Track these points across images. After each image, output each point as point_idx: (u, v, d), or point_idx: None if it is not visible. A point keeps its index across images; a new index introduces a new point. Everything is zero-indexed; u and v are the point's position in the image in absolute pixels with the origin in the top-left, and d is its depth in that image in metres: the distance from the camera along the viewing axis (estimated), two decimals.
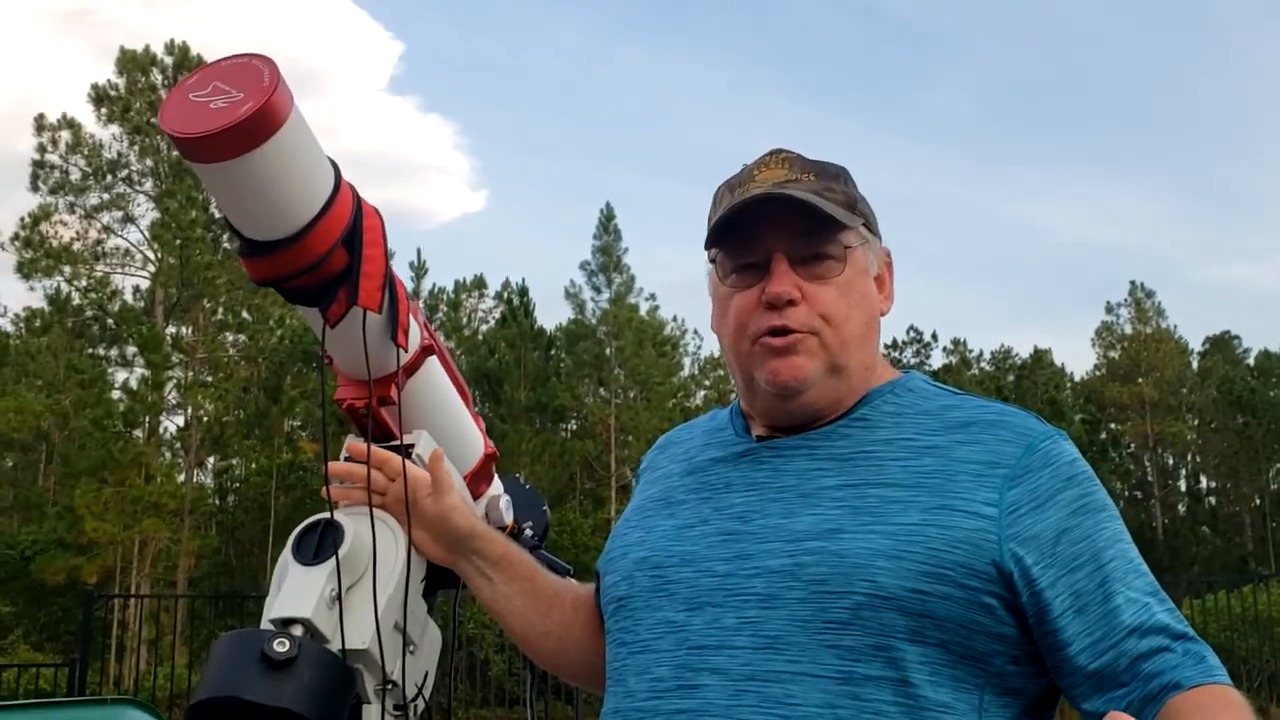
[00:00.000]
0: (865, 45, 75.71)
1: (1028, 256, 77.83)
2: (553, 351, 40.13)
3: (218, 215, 31.07)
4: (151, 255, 32.17)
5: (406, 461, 1.39)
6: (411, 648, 1.36)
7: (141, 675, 21.50)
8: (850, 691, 1.07)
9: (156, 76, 32.09)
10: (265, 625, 1.28)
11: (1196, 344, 54.26)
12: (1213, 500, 51.57)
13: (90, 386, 28.93)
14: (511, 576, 1.42)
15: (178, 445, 34.75)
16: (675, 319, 49.91)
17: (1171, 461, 52.76)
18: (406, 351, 1.41)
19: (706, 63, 77.11)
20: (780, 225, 1.22)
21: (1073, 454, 1.17)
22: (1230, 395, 47.50)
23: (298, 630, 1.23)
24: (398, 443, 1.43)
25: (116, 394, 31.47)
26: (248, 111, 1.14)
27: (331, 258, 1.27)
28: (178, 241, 29.85)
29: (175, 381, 31.68)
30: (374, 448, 1.39)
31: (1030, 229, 76.74)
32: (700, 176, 77.58)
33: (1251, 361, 51.48)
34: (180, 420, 34.54)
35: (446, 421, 1.53)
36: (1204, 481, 52.81)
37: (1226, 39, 72.15)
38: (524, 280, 42.01)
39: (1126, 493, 49.38)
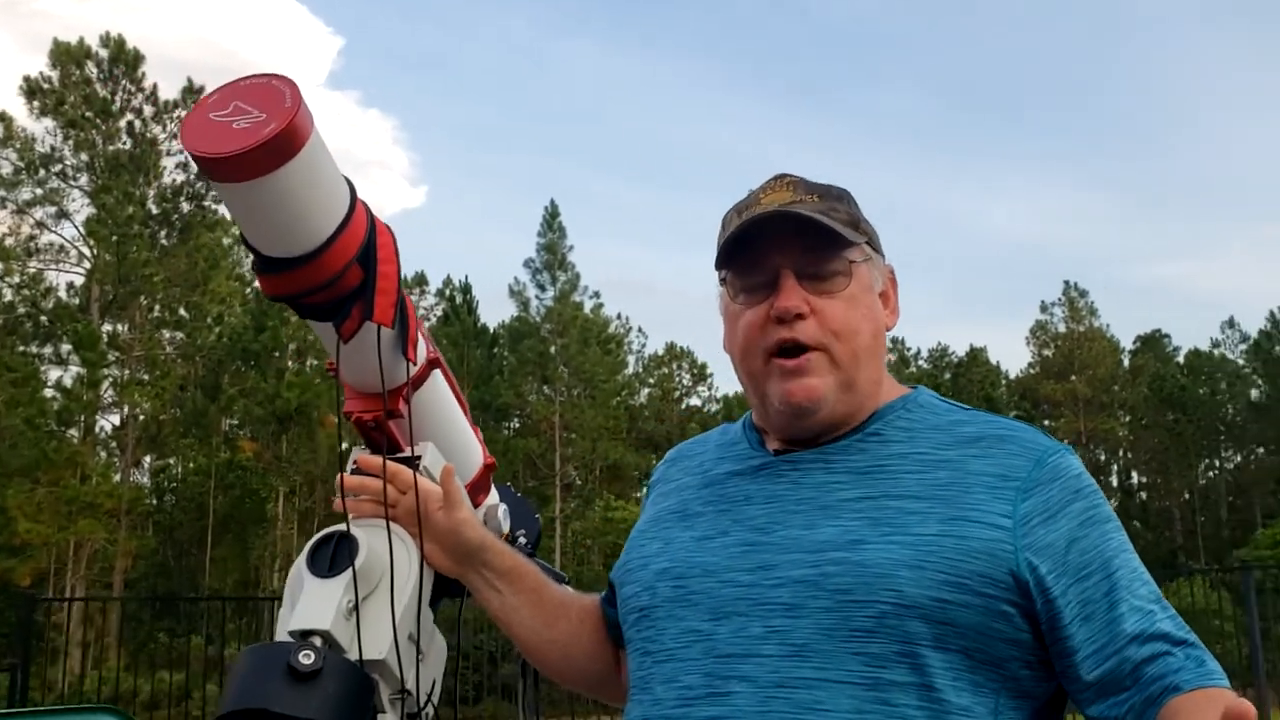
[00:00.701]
0: (809, 43, 76.32)
1: (965, 254, 79.04)
2: (496, 349, 39.98)
3: (155, 211, 30.62)
4: (87, 251, 31.59)
5: (418, 475, 1.41)
6: (421, 657, 1.39)
7: (75, 680, 21.07)
8: (878, 697, 1.11)
9: (91, 69, 31.49)
10: (282, 637, 1.30)
11: (1128, 342, 55.46)
12: (1144, 495, 52.79)
13: (23, 385, 28.28)
14: (519, 588, 1.44)
15: (113, 444, 34.13)
16: (620, 317, 50.00)
17: (1104, 457, 53.86)
18: (415, 365, 1.43)
19: (652, 58, 77.28)
20: (787, 244, 1.25)
21: (1079, 468, 1.23)
22: (1161, 393, 48.61)
23: (316, 642, 1.25)
24: (406, 454, 1.45)
25: (50, 392, 30.82)
26: (271, 133, 1.16)
27: (347, 274, 1.29)
28: (114, 238, 29.30)
29: (111, 379, 31.11)
30: (383, 460, 1.40)
31: (967, 227, 77.93)
32: (645, 173, 77.69)
33: (1181, 360, 52.69)
34: (116, 419, 33.96)
35: (450, 433, 1.56)
36: (1135, 477, 54.05)
37: (1161, 42, 73.82)
38: (466, 278, 41.86)
39: None
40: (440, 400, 1.53)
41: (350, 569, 1.30)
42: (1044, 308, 55.31)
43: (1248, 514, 47.43)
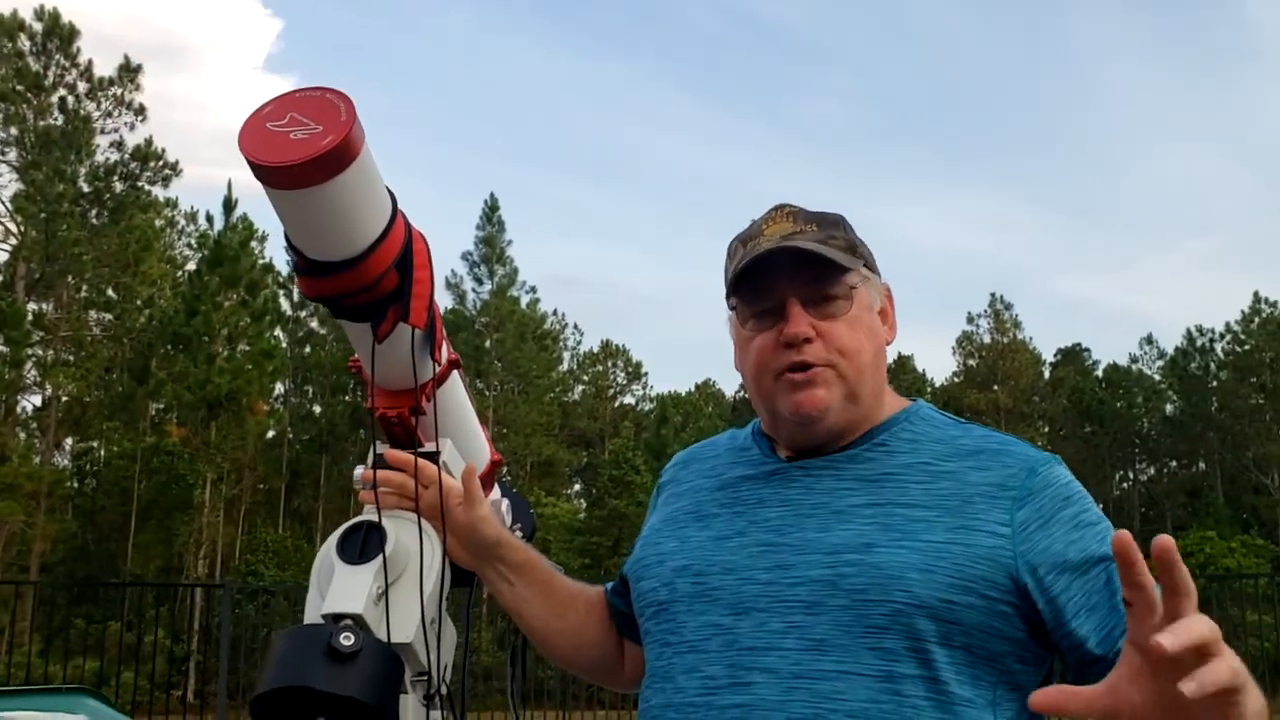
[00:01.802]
0: (746, 48, 76.88)
1: (894, 264, 79.86)
2: None
3: (87, 190, 29.92)
4: (14, 228, 30.75)
5: (442, 471, 1.49)
6: (438, 642, 1.47)
7: None
8: (891, 688, 1.20)
9: (24, 42, 30.66)
10: (312, 619, 1.37)
11: (1049, 355, 56.70)
12: None
13: None
14: (531, 581, 1.53)
15: (34, 426, 33.33)
16: (556, 313, 49.99)
17: None
18: (440, 365, 1.51)
19: (592, 56, 77.25)
20: (791, 273, 1.34)
21: (1067, 477, 1.35)
22: (1080, 405, 49.80)
23: (348, 624, 1.32)
24: (428, 449, 1.53)
25: None
26: (328, 145, 1.23)
27: (385, 279, 1.37)
28: (42, 215, 28.58)
29: (35, 359, 30.37)
30: (412, 456, 1.48)
31: (898, 236, 79.04)
32: (584, 169, 77.65)
33: (1100, 373, 54.00)
34: (38, 400, 33.17)
35: (465, 430, 1.64)
36: None
37: (1087, 63, 75.54)
38: None
39: None
40: (458, 399, 1.62)
41: (381, 556, 1.38)
42: (970, 319, 56.36)
43: (1159, 525, 48.76)
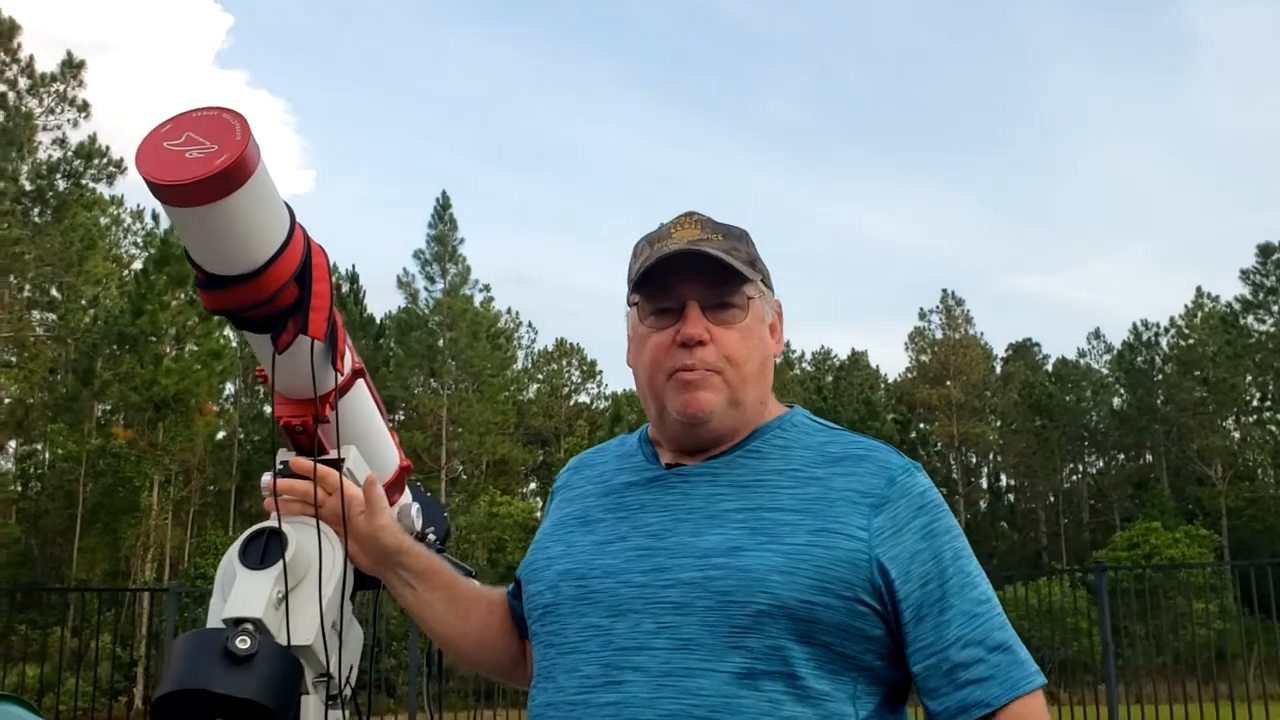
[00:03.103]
0: (700, 45, 77.07)
1: (849, 260, 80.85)
2: (382, 341, 39.47)
3: (29, 188, 29.41)
4: None
5: (345, 480, 1.53)
6: (341, 644, 1.51)
7: None
8: (751, 684, 1.26)
9: None
10: (215, 624, 1.41)
11: (1000, 350, 57.41)
12: (1011, 498, 54.78)
13: None
14: (433, 586, 1.58)
15: None
16: (510, 311, 49.86)
17: (975, 460, 55.71)
18: (342, 374, 1.55)
19: (545, 52, 77.03)
20: (694, 277, 1.40)
21: (925, 485, 1.39)
22: (1030, 399, 50.49)
23: (249, 629, 1.36)
24: (331, 456, 1.57)
25: None
26: (223, 164, 1.26)
27: (284, 292, 1.41)
28: None
29: None
30: (314, 464, 1.52)
31: (852, 234, 79.69)
32: (537, 166, 77.43)
33: (1050, 368, 54.75)
34: None
35: (371, 437, 1.68)
36: (1004, 479, 56.03)
37: (1032, 64, 76.57)
38: (354, 266, 41.19)
39: None
40: (363, 407, 1.65)
41: (281, 562, 1.42)
42: (922, 315, 56.95)
43: (1107, 516, 49.60)
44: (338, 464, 1.56)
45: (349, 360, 1.59)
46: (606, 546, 1.42)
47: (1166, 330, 49.12)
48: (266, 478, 1.56)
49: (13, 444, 34.19)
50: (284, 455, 1.58)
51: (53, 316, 32.19)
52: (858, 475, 1.38)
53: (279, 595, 1.41)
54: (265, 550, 1.44)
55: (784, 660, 1.28)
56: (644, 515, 1.42)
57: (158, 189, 1.28)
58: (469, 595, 1.61)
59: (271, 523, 1.48)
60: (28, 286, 31.45)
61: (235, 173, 1.27)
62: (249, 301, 1.39)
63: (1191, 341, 47.87)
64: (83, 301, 32.04)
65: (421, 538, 1.81)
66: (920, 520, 1.36)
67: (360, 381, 1.64)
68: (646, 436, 1.53)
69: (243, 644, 1.30)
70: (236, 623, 1.37)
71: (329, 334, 1.48)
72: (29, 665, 19.91)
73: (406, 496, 1.82)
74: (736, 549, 1.32)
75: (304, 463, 1.52)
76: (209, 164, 1.27)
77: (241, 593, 1.40)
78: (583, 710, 1.32)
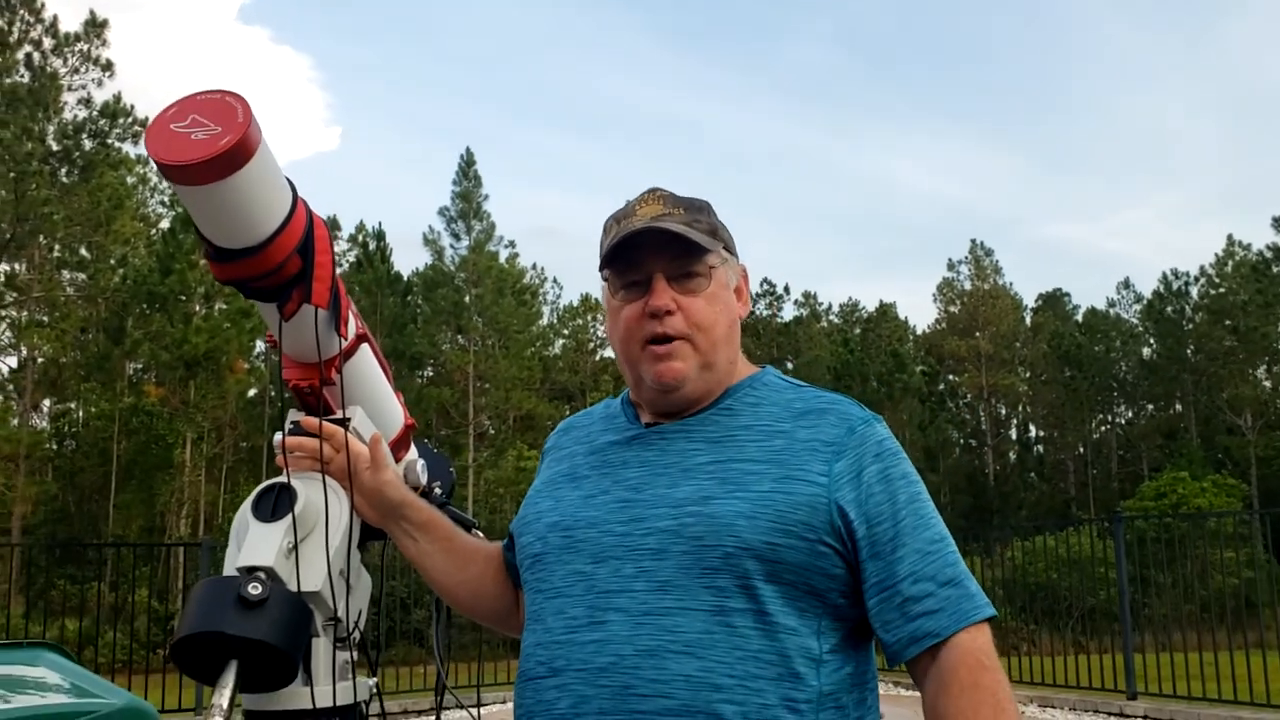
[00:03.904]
0: None
1: (878, 211, 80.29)
2: (409, 297, 39.67)
3: (55, 149, 29.65)
4: None
5: (350, 437, 1.63)
6: (350, 590, 1.62)
7: None
8: (723, 621, 1.36)
9: None
10: (230, 573, 1.52)
11: (1030, 300, 57.08)
12: (1040, 449, 54.62)
13: None
14: (434, 538, 1.69)
15: (11, 387, 33.29)
16: (535, 267, 49.96)
17: (1004, 411, 55.58)
18: (346, 340, 1.64)
19: (570, 4, 76.48)
20: (658, 251, 1.50)
21: (882, 434, 1.48)
22: (1059, 350, 50.21)
23: (261, 575, 1.47)
24: (337, 416, 1.67)
25: None
26: (226, 144, 1.35)
27: (288, 263, 1.50)
28: (12, 174, 28.30)
29: (9, 321, 30.30)
30: (319, 422, 1.62)
31: (880, 184, 79.06)
32: (562, 120, 77.09)
33: (1080, 318, 54.40)
34: (14, 361, 33.10)
35: (376, 398, 1.78)
36: (1033, 431, 55.88)
37: (1065, 11, 75.27)
38: (380, 224, 41.29)
39: (962, 441, 51.86)
40: (367, 370, 1.75)
41: (290, 515, 1.52)
42: (951, 266, 56.65)
43: (1136, 467, 49.45)
44: (344, 423, 1.66)
45: (353, 326, 1.68)
46: (591, 500, 1.52)
47: (1197, 279, 48.67)
48: (278, 436, 1.66)
49: (47, 403, 34.78)
50: (294, 415, 1.68)
51: (83, 276, 32.56)
52: (820, 427, 1.47)
53: (289, 545, 1.51)
54: (276, 504, 1.54)
55: (753, 598, 1.37)
56: (625, 470, 1.52)
57: (166, 169, 1.36)
58: (467, 547, 1.72)
59: (282, 478, 1.58)
60: (57, 246, 31.84)
61: (238, 153, 1.36)
62: (256, 273, 1.48)
63: (1222, 290, 47.40)
64: (112, 261, 32.39)
65: (427, 492, 1.91)
66: (877, 466, 1.45)
67: (365, 346, 1.73)
68: (629, 399, 1.63)
69: (254, 590, 1.40)
70: (249, 571, 1.48)
71: (332, 302, 1.57)
72: (69, 619, 20.41)
73: (412, 453, 1.92)
74: (707, 498, 1.42)
75: (312, 421, 1.62)
76: (213, 145, 1.35)
77: (254, 543, 1.50)
78: (568, 648, 1.43)
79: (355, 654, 1.63)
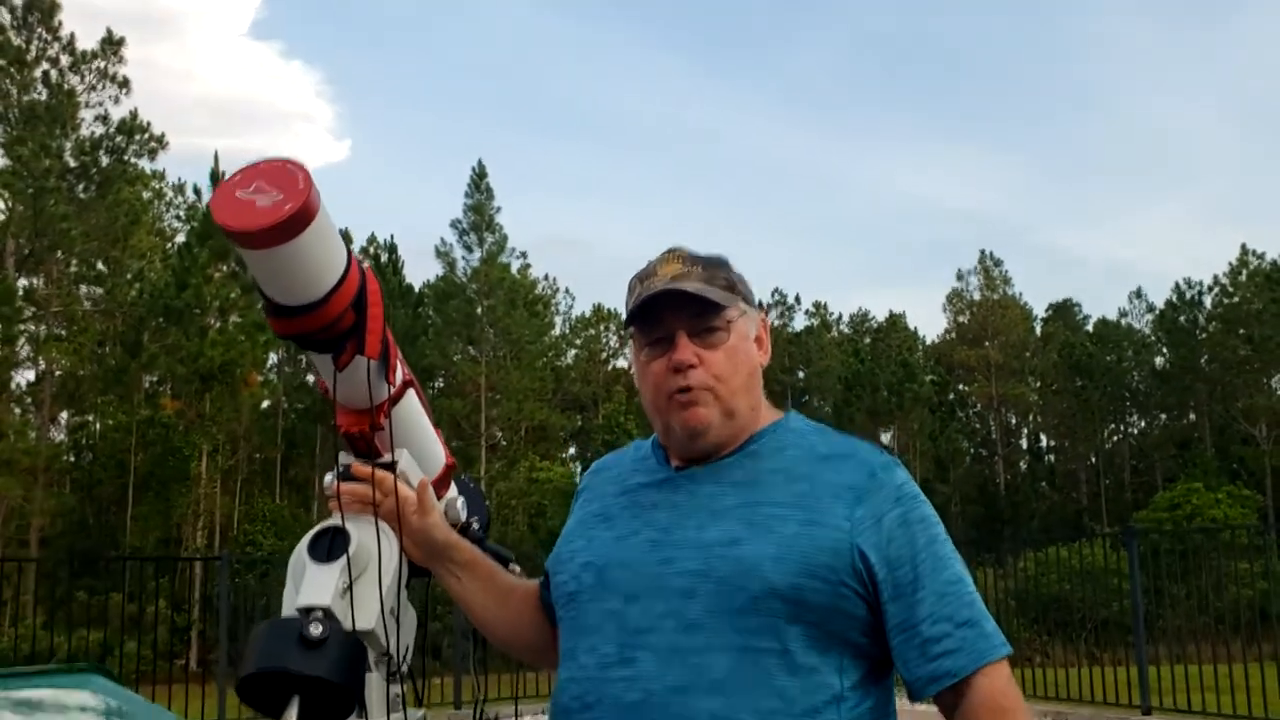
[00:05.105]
0: (740, 3, 76.41)
1: (887, 220, 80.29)
2: (420, 309, 39.81)
3: (73, 165, 29.89)
4: (1, 205, 30.76)
5: (398, 483, 1.71)
6: (398, 627, 1.70)
7: None
8: (749, 660, 1.43)
9: (4, 16, 30.49)
10: (288, 612, 1.60)
11: (1040, 310, 56.95)
12: (1051, 458, 54.44)
13: None
14: (475, 576, 1.78)
15: (29, 401, 33.50)
16: (547, 278, 50.06)
17: (1014, 421, 55.45)
18: (394, 386, 1.73)
19: (580, 15, 76.76)
20: (679, 309, 1.58)
21: (901, 479, 1.55)
22: (1070, 360, 50.05)
23: (320, 616, 1.55)
24: (386, 460, 1.76)
25: None
26: (290, 211, 1.44)
27: (343, 318, 1.59)
28: (30, 190, 28.55)
29: (27, 335, 30.48)
30: (370, 468, 1.71)
31: (890, 193, 79.06)
32: (573, 129, 77.29)
33: (1090, 328, 54.22)
34: (32, 375, 33.32)
35: (420, 440, 1.86)
36: (1044, 440, 55.72)
37: (1074, 14, 75.22)
38: (392, 236, 41.50)
39: (972, 450, 51.76)
40: (413, 414, 1.84)
41: (345, 557, 1.61)
42: (960, 276, 56.60)
43: (1149, 477, 49.25)
44: (391, 466, 1.75)
45: (400, 373, 1.77)
46: (622, 540, 1.60)
47: (1210, 288, 48.53)
48: (329, 479, 1.75)
49: (65, 416, 35.00)
50: (344, 459, 1.77)
51: (100, 290, 32.80)
52: (843, 471, 1.55)
53: (344, 586, 1.60)
54: (331, 546, 1.63)
55: (778, 637, 1.45)
56: (655, 513, 1.60)
57: (233, 235, 1.45)
58: (507, 586, 1.81)
59: (335, 521, 1.66)
60: (75, 261, 32.07)
61: (300, 218, 1.44)
62: (314, 328, 1.56)
63: (1236, 299, 47.24)
64: (128, 275, 32.61)
65: (466, 527, 2.00)
66: (897, 510, 1.52)
67: (410, 391, 1.82)
68: (658, 442, 1.72)
69: (316, 630, 1.49)
70: (308, 611, 1.56)
71: (383, 353, 1.66)
72: (92, 630, 20.53)
73: (452, 491, 2.01)
74: (735, 541, 1.50)
75: (363, 469, 1.70)
76: (278, 212, 1.44)
77: (311, 584, 1.59)
78: (600, 684, 1.51)
79: (404, 686, 1.72)
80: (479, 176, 40.08)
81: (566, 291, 52.14)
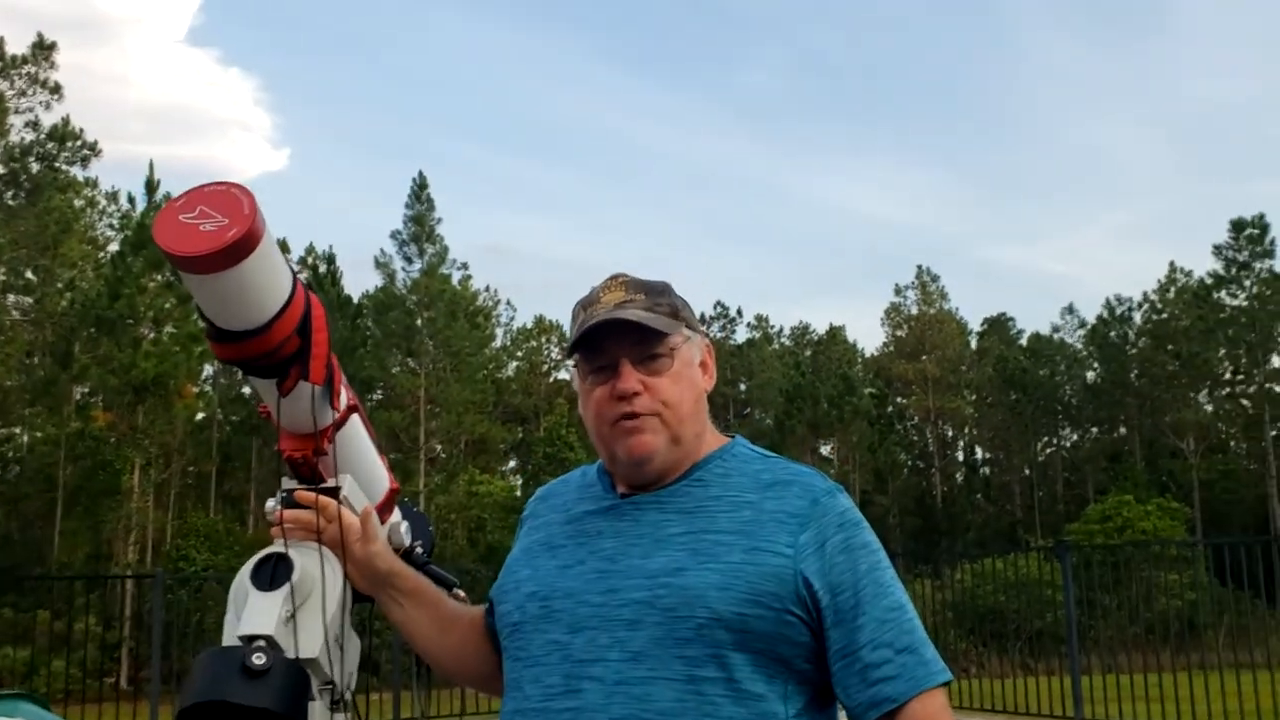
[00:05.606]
0: (673, 18, 76.88)
1: (827, 234, 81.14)
2: (359, 321, 39.37)
3: (2, 171, 29.14)
4: None
5: (342, 509, 1.70)
6: (341, 654, 1.69)
7: None
8: (694, 689, 1.43)
9: None
10: (230, 640, 1.58)
11: (975, 324, 57.84)
12: (987, 471, 55.27)
13: None
14: (419, 604, 1.76)
15: None
16: (488, 289, 49.87)
17: (950, 434, 56.21)
18: (338, 411, 1.72)
19: (520, 26, 76.70)
20: (622, 337, 1.58)
21: (844, 505, 1.56)
22: (1004, 373, 50.89)
23: (262, 644, 1.54)
24: (329, 485, 1.74)
25: None
26: (234, 236, 1.42)
27: (287, 343, 1.57)
28: None
29: None
30: (313, 494, 1.69)
31: (830, 207, 79.92)
32: (515, 139, 77.12)
33: (1024, 342, 55.19)
34: None
35: (364, 465, 1.85)
36: (979, 453, 56.54)
37: (1007, 34, 76.71)
38: (331, 247, 40.98)
39: (910, 462, 52.36)
40: (357, 439, 1.82)
41: (288, 584, 1.59)
42: (898, 290, 57.32)
43: (1081, 490, 50.14)
44: (335, 491, 1.73)
45: (344, 397, 1.76)
46: (567, 570, 1.59)
47: (1140, 305, 49.62)
48: (271, 504, 1.73)
49: None
50: (287, 484, 1.75)
51: (29, 300, 32.02)
52: (786, 498, 1.56)
53: (287, 613, 1.58)
54: (274, 573, 1.61)
55: (722, 666, 1.45)
56: (600, 541, 1.60)
57: (175, 259, 1.43)
58: (450, 614, 1.79)
59: (278, 547, 1.65)
60: (2, 270, 31.28)
61: (244, 244, 1.43)
62: (257, 353, 1.55)
63: (1164, 316, 48.33)
64: (59, 285, 31.91)
65: (409, 551, 1.98)
66: (839, 536, 1.53)
67: (355, 416, 1.81)
68: (603, 469, 1.71)
69: (258, 659, 1.47)
70: (250, 639, 1.54)
71: (327, 378, 1.64)
72: (18, 648, 20.00)
73: (396, 515, 1.99)
74: (680, 569, 1.50)
75: (306, 495, 1.69)
76: (221, 237, 1.43)
77: (254, 612, 1.57)
78: (545, 716, 1.50)
79: (348, 715, 1.70)
80: (420, 187, 39.82)
81: (508, 303, 52.03)
